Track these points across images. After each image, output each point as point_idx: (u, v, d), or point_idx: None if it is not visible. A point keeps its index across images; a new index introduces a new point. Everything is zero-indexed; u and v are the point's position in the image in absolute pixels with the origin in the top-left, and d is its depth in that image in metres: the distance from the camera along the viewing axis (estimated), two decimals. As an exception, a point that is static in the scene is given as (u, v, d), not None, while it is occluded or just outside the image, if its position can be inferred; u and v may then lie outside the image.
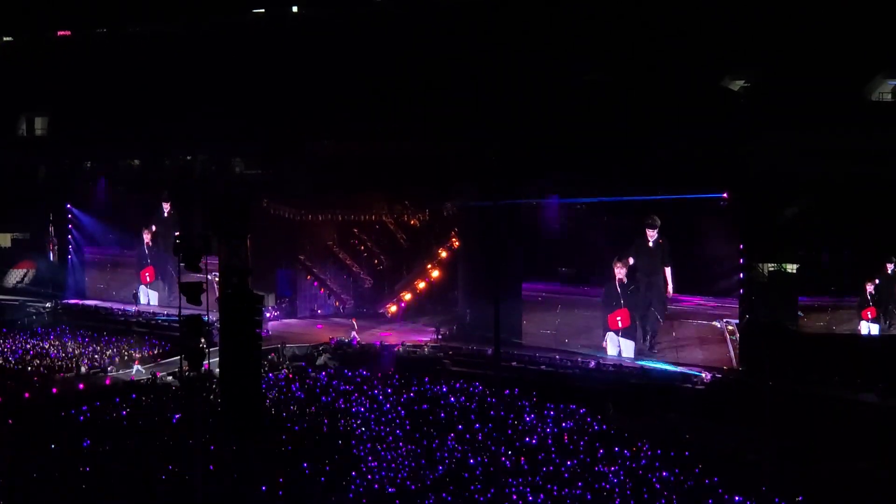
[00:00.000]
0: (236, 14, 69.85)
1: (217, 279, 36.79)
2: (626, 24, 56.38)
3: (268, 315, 56.85)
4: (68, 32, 75.35)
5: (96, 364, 52.35)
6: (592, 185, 52.38)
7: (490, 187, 55.05)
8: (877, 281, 49.36)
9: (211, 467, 35.02)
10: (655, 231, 50.52)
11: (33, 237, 73.67)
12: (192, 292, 37.63)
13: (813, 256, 50.96)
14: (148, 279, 66.28)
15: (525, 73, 57.92)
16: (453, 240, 61.31)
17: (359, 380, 48.08)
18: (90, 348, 55.21)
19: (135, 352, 54.33)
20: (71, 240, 69.94)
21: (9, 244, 75.47)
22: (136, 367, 51.70)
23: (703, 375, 47.30)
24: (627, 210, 51.29)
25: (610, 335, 51.77)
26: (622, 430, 40.47)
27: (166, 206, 65.65)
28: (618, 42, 56.45)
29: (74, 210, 69.46)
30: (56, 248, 71.36)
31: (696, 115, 52.93)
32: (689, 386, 46.87)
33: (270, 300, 61.00)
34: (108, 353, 54.25)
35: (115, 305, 65.34)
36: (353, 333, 56.55)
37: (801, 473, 35.63)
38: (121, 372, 51.47)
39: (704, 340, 49.37)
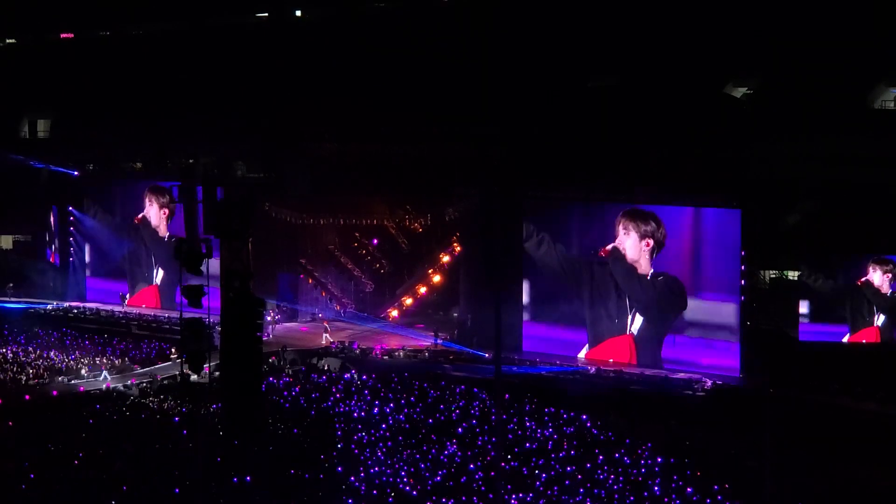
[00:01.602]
0: (239, 17, 69.90)
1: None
2: (631, 30, 56.38)
3: (268, 318, 56.74)
4: (71, 35, 75.37)
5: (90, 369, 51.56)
6: (595, 191, 52.41)
7: (492, 192, 55.10)
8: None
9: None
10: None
11: (35, 239, 73.54)
12: (194, 295, 37.72)
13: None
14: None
15: (530, 78, 57.93)
16: (455, 245, 61.25)
17: (359, 384, 48.06)
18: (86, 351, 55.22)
19: (102, 357, 53.31)
20: (72, 241, 69.88)
21: (10, 246, 75.34)
22: (104, 372, 50.45)
23: (705, 382, 47.28)
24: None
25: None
26: (623, 436, 40.42)
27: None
28: (622, 48, 56.46)
29: (76, 212, 69.41)
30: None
31: (698, 122, 52.94)
32: (690, 393, 46.86)
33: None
34: (85, 359, 53.21)
35: (116, 308, 65.29)
36: (326, 335, 56.92)
37: (801, 481, 35.58)
38: (89, 379, 50.21)
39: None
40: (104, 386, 48.57)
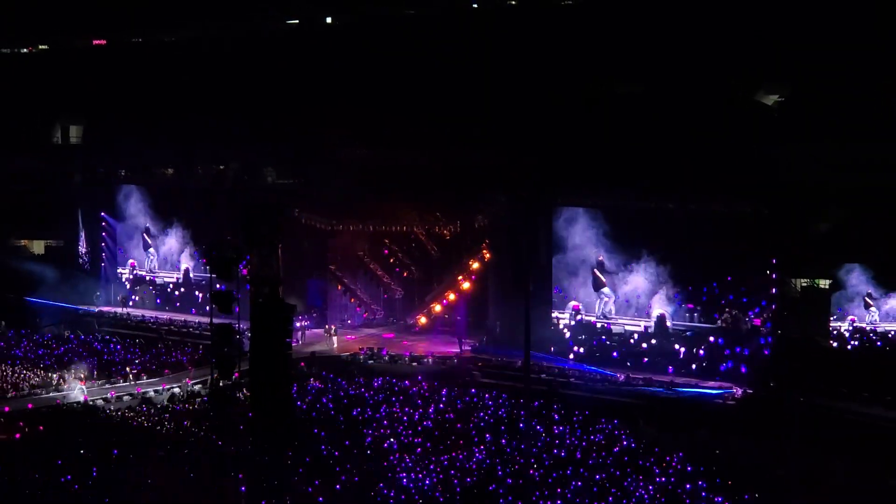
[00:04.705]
0: (270, 23, 70.19)
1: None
2: (660, 36, 56.24)
3: (298, 325, 56.90)
4: (103, 41, 75.84)
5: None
6: (624, 197, 52.32)
7: (522, 198, 55.08)
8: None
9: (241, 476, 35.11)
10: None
11: (67, 244, 73.99)
12: (224, 301, 37.83)
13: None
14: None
15: (558, 83, 57.88)
16: (484, 251, 61.21)
17: (388, 391, 48.09)
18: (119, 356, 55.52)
19: (78, 370, 51.32)
20: (104, 247, 70.32)
21: (42, 251, 75.85)
22: (80, 387, 49.39)
23: (735, 391, 47.08)
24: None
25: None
26: (652, 444, 40.28)
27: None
28: (651, 54, 56.32)
29: (108, 218, 69.84)
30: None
31: (729, 128, 52.73)
32: (721, 401, 46.67)
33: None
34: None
35: (147, 313, 65.60)
36: (334, 339, 57.43)
37: (830, 490, 35.39)
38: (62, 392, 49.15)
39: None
40: (81, 398, 47.90)
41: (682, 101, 55.06)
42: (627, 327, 53.78)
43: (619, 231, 53.09)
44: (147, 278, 69.02)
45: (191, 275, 67.36)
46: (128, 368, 52.42)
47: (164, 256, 68.47)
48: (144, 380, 51.28)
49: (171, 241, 67.99)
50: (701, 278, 51.19)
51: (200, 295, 65.45)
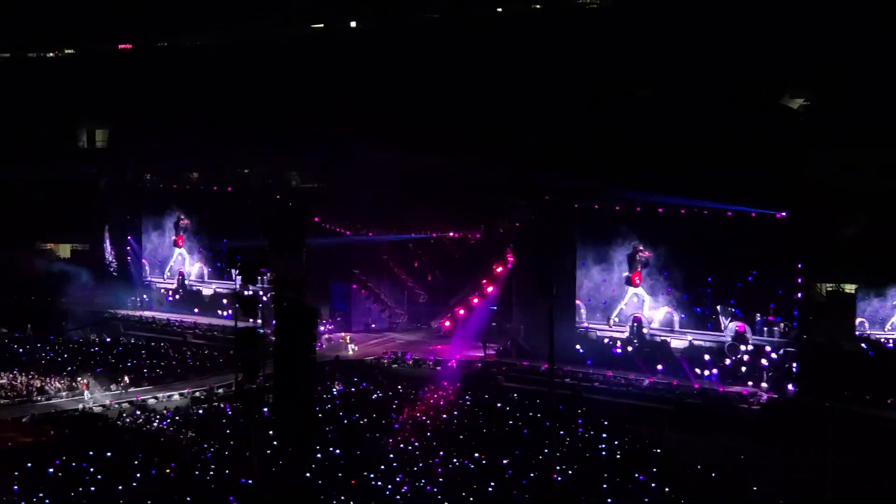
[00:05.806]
0: (295, 28, 70.44)
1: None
2: (682, 39, 56.08)
3: (322, 328, 57.00)
4: (129, 46, 76.24)
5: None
6: (648, 201, 52.20)
7: (544, 203, 55.03)
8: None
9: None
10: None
11: (93, 248, 74.36)
12: (248, 305, 37.94)
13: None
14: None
15: (580, 89, 57.82)
16: (508, 256, 61.16)
17: (411, 395, 48.10)
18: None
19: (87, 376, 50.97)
20: (129, 251, 70.60)
21: (68, 255, 76.27)
22: (87, 393, 49.12)
23: (760, 395, 46.90)
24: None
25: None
26: (676, 449, 40.13)
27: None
28: (673, 58, 56.19)
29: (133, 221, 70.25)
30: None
31: (753, 132, 52.53)
32: (746, 406, 46.48)
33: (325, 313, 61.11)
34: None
35: (172, 317, 65.84)
36: (351, 346, 57.40)
37: (856, 496, 35.20)
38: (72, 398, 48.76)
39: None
40: (106, 402, 47.77)
41: (708, 103, 54.89)
42: (600, 333, 53.72)
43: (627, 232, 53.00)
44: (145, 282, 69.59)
45: (185, 281, 67.66)
46: (137, 372, 52.59)
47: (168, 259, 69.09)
48: (168, 383, 51.43)
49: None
50: (720, 280, 50.70)
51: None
